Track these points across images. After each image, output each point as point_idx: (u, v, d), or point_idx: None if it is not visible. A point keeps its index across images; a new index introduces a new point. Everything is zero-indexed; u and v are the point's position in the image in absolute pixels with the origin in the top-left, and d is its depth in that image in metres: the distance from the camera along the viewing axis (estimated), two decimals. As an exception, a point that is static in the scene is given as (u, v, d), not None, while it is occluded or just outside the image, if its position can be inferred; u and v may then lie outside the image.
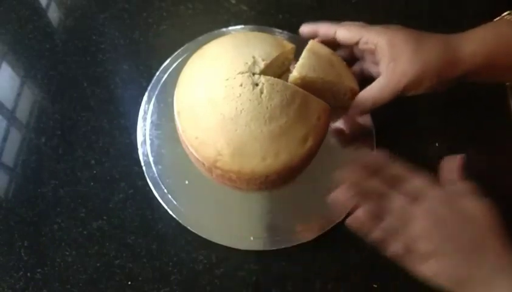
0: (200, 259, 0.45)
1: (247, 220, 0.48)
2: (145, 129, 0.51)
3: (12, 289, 0.43)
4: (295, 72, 0.44)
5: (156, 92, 0.52)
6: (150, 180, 0.48)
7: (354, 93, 0.46)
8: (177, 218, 0.46)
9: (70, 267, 0.44)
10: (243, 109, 0.41)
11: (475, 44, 0.42)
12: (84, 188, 0.48)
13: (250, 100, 0.42)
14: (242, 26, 0.57)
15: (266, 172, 0.42)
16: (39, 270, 0.44)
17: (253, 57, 0.44)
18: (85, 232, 0.46)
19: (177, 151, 0.48)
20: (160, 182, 0.48)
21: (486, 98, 0.54)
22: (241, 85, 0.42)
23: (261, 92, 0.42)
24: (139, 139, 0.50)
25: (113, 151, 0.50)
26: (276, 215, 0.48)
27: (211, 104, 0.43)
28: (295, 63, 0.46)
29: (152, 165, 0.49)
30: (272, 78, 0.43)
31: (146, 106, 0.52)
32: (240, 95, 0.42)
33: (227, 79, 0.42)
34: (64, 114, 0.52)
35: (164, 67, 0.54)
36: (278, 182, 0.46)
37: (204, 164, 0.44)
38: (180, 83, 0.47)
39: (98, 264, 0.45)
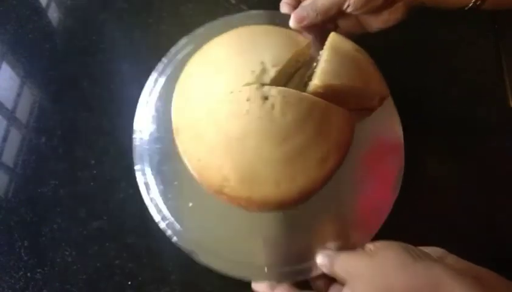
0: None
1: (260, 245, 0.41)
2: (142, 144, 0.44)
3: (12, 289, 0.43)
4: (317, 80, 0.37)
5: (155, 99, 0.46)
6: (150, 202, 0.42)
7: (383, 98, 0.41)
8: (183, 246, 0.41)
9: (70, 267, 0.44)
10: (251, 128, 0.36)
11: None
12: (84, 188, 0.48)
13: (259, 117, 0.36)
14: (247, 12, 0.52)
15: (280, 199, 0.37)
16: (39, 270, 0.44)
17: (262, 63, 0.37)
18: (85, 232, 0.46)
19: (179, 168, 0.41)
20: (162, 204, 0.42)
21: None
22: (248, 100, 0.36)
23: (272, 107, 0.36)
24: (135, 154, 0.43)
25: (113, 151, 0.50)
26: (292, 238, 0.41)
27: (213, 123, 0.37)
28: (319, 56, 0.40)
29: (152, 185, 0.43)
30: (285, 89, 0.37)
31: (144, 115, 0.45)
32: (247, 111, 0.36)
33: (232, 93, 0.37)
34: (64, 114, 0.52)
35: (161, 67, 0.48)
36: (293, 206, 0.40)
37: (209, 188, 0.39)
38: (177, 95, 0.41)
39: (98, 264, 0.45)
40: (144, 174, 0.43)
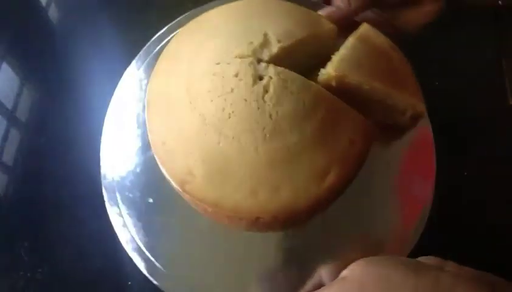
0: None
1: (252, 283, 0.33)
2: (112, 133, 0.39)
3: (12, 289, 0.43)
4: (330, 68, 0.30)
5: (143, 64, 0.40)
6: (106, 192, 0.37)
7: (417, 117, 0.34)
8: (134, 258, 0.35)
9: (70, 267, 0.44)
10: (233, 112, 0.28)
11: None
12: (84, 188, 0.48)
13: (245, 99, 0.28)
14: None
15: (256, 212, 0.28)
16: (39, 270, 0.44)
17: (265, 34, 0.30)
18: (85, 232, 0.46)
19: (147, 156, 0.35)
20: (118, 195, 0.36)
21: None
22: (237, 75, 0.29)
23: (266, 91, 0.28)
24: (103, 151, 0.39)
25: (113, 151, 0.50)
26: (293, 274, 0.33)
27: (188, 99, 0.30)
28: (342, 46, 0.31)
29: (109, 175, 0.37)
30: (286, 70, 0.29)
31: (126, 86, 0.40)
32: (232, 90, 0.29)
33: (218, 64, 0.29)
34: (64, 114, 0.52)
35: (144, 51, 0.42)
36: (276, 227, 0.31)
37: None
38: (159, 62, 0.34)
39: (98, 264, 0.45)
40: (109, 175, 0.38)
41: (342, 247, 0.33)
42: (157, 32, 0.56)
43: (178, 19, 0.44)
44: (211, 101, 0.29)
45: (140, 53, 0.43)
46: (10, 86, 0.54)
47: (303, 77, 0.29)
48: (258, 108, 0.28)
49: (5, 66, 0.55)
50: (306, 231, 0.33)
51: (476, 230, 0.48)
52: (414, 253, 0.35)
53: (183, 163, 0.29)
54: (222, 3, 0.35)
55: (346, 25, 0.35)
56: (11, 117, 0.52)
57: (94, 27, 0.57)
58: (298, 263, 0.33)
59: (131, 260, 0.45)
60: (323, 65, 0.31)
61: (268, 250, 0.34)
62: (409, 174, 0.36)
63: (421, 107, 0.33)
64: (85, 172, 0.49)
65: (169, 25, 0.43)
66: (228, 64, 0.29)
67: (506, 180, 0.50)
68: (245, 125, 0.28)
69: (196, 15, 0.36)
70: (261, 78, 0.29)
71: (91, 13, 0.58)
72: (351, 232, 0.34)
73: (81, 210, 0.47)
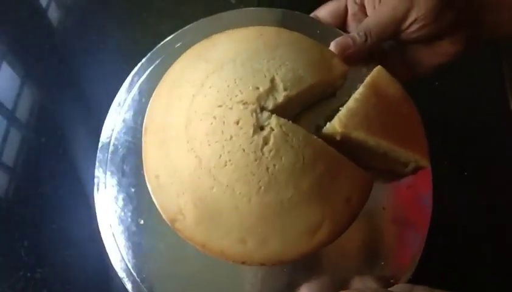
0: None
1: None
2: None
3: (12, 289, 0.43)
4: (337, 123, 0.29)
5: (131, 98, 0.38)
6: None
7: (420, 168, 0.33)
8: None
9: (70, 267, 0.44)
10: (230, 160, 0.27)
11: None
12: (84, 188, 0.48)
13: (244, 150, 0.27)
14: (281, 10, 0.40)
15: (242, 258, 0.29)
16: (39, 270, 0.44)
17: (272, 80, 0.29)
18: (85, 232, 0.46)
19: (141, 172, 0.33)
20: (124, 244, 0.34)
21: None
22: (237, 123, 0.28)
23: (265, 143, 0.28)
24: (97, 175, 0.36)
25: (113, 151, 0.50)
26: None
27: (186, 137, 0.29)
28: (353, 91, 0.30)
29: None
30: (290, 123, 0.28)
31: (113, 125, 0.37)
32: (231, 137, 0.28)
33: (220, 107, 0.29)
34: (64, 114, 0.52)
35: (140, 67, 0.40)
36: (264, 265, 0.30)
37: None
38: (161, 85, 0.34)
39: (98, 265, 0.45)
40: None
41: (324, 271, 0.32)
42: (156, 31, 0.57)
43: (185, 28, 0.43)
44: (209, 145, 0.28)
45: (143, 61, 0.42)
46: (10, 86, 0.54)
47: (305, 131, 0.29)
48: (256, 160, 0.27)
49: (5, 65, 0.55)
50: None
51: (476, 230, 0.48)
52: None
53: (175, 202, 0.29)
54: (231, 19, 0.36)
55: (358, 59, 0.35)
56: (11, 117, 0.52)
57: (94, 27, 0.57)
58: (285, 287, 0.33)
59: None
60: (328, 106, 0.31)
61: (255, 279, 0.33)
62: (402, 221, 0.34)
63: (425, 163, 0.32)
64: (85, 172, 0.49)
65: (176, 34, 0.42)
66: (230, 108, 0.28)
67: (506, 181, 0.50)
68: (241, 174, 0.27)
69: (201, 25, 0.37)
70: (262, 128, 0.28)
71: (91, 13, 0.58)
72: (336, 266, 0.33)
73: (81, 210, 0.47)
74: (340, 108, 0.30)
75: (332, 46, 0.35)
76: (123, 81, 0.54)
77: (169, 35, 0.56)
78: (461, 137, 0.52)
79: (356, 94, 0.30)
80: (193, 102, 0.30)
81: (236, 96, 0.29)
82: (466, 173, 0.50)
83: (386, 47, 0.40)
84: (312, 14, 0.41)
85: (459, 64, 0.56)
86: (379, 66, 0.32)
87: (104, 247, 0.45)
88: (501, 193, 0.50)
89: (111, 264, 0.44)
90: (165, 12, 0.58)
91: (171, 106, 0.31)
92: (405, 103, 0.32)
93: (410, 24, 0.35)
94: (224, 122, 0.28)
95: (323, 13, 0.40)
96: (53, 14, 0.59)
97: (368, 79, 0.31)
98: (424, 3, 0.34)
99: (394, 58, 0.39)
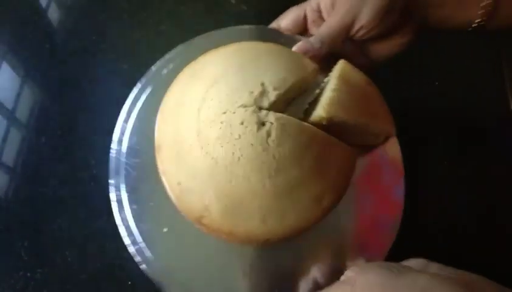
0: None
1: (239, 280, 0.36)
2: (119, 156, 0.40)
3: (12, 289, 0.43)
4: (321, 111, 0.35)
5: (138, 108, 0.41)
6: (122, 223, 0.38)
7: (388, 137, 0.40)
8: (150, 275, 0.37)
9: (70, 267, 0.44)
10: (242, 155, 0.32)
11: None
12: (84, 188, 0.48)
13: (252, 144, 0.32)
14: (248, 27, 0.46)
15: (266, 236, 0.34)
16: (39, 270, 0.44)
17: (263, 84, 0.34)
18: (85, 232, 0.46)
19: (157, 188, 0.37)
20: (134, 227, 0.38)
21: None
22: (242, 123, 0.33)
23: (268, 135, 0.33)
24: (111, 167, 0.39)
25: (113, 151, 0.50)
26: (273, 276, 0.36)
27: (200, 144, 0.33)
28: (323, 83, 0.38)
29: (126, 203, 0.38)
30: (285, 116, 0.34)
31: (124, 125, 0.41)
32: (240, 136, 0.33)
33: (225, 113, 0.33)
34: (64, 114, 0.52)
35: (149, 75, 0.43)
36: (280, 243, 0.36)
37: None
38: (164, 107, 0.38)
39: (98, 264, 0.45)
40: (118, 190, 0.39)
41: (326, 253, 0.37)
42: (157, 31, 0.57)
43: (166, 56, 0.46)
44: (222, 146, 0.33)
45: (149, 75, 0.45)
46: (10, 86, 0.54)
47: (298, 120, 0.34)
48: (263, 150, 0.32)
49: (5, 65, 0.55)
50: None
51: (476, 230, 0.48)
52: (415, 255, 0.35)
53: (199, 201, 0.33)
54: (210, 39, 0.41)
55: (319, 60, 0.40)
56: (11, 117, 0.52)
57: (94, 27, 0.57)
58: (281, 265, 0.37)
59: (131, 260, 0.45)
60: (305, 96, 0.38)
61: (255, 253, 0.37)
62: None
63: (393, 131, 0.39)
64: (85, 172, 0.49)
65: (160, 61, 0.45)
66: (233, 113, 0.33)
67: (506, 181, 0.50)
68: (253, 165, 0.32)
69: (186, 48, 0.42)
70: (263, 123, 0.33)
71: (91, 13, 0.58)
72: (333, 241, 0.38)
73: (81, 210, 0.47)
74: (320, 98, 0.37)
75: (294, 50, 0.40)
76: (123, 81, 0.54)
77: (169, 35, 0.57)
78: (461, 137, 0.52)
79: (331, 85, 0.36)
80: (199, 115, 0.34)
81: (236, 102, 0.34)
82: (466, 173, 0.50)
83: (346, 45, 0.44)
84: (274, 23, 0.45)
85: (459, 64, 0.56)
86: (342, 60, 0.38)
87: (104, 246, 0.45)
88: (501, 193, 0.50)
89: (112, 263, 0.44)
90: (164, 12, 0.58)
91: (180, 122, 0.35)
92: (369, 86, 0.38)
93: (358, 30, 0.40)
94: (230, 125, 0.33)
95: (285, 22, 0.45)
96: (53, 14, 0.59)
97: (336, 72, 0.37)
98: (367, 12, 0.39)
99: (355, 52, 0.44)
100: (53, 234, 0.46)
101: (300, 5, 0.45)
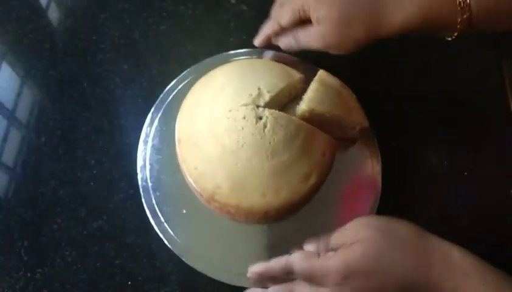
0: (200, 259, 0.45)
1: (244, 254, 0.45)
2: (145, 153, 0.48)
3: (12, 289, 0.43)
4: (304, 105, 0.44)
5: (159, 115, 0.50)
6: (147, 207, 0.46)
7: (363, 128, 0.46)
8: (172, 249, 0.44)
9: (70, 267, 0.44)
10: (245, 142, 0.41)
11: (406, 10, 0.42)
12: (84, 188, 0.48)
13: (252, 133, 0.41)
14: (248, 50, 0.54)
15: (265, 208, 0.41)
16: (39, 270, 0.44)
17: (259, 88, 0.43)
18: (85, 232, 0.46)
19: (176, 178, 0.46)
20: (158, 210, 0.46)
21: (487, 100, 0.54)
22: (244, 118, 0.42)
23: (265, 126, 0.41)
24: (139, 163, 0.48)
25: (113, 151, 0.50)
26: (274, 250, 0.42)
27: (212, 135, 0.42)
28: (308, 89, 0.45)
29: (151, 191, 0.46)
30: (277, 111, 0.42)
31: (148, 129, 0.50)
32: (242, 128, 0.41)
33: (230, 111, 0.42)
34: (64, 114, 0.52)
35: (169, 89, 0.52)
36: (277, 218, 0.44)
37: (202, 195, 0.43)
38: (183, 110, 0.46)
39: (98, 264, 0.45)
40: (144, 181, 0.47)
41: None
42: (157, 31, 0.57)
43: (183, 73, 0.53)
44: (228, 136, 0.41)
45: (161, 98, 0.52)
46: (10, 86, 0.54)
47: (287, 115, 0.43)
48: (261, 138, 0.41)
49: (5, 65, 0.55)
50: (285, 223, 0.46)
51: (475, 230, 0.48)
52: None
53: (212, 180, 0.42)
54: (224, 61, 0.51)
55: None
56: (11, 117, 0.52)
57: (94, 27, 0.57)
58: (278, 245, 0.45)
59: (131, 259, 0.45)
60: (295, 101, 0.46)
61: (258, 234, 0.46)
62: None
63: (366, 123, 0.46)
64: (85, 172, 0.49)
65: (181, 76, 0.53)
66: (237, 110, 0.42)
67: (506, 182, 0.50)
68: (254, 150, 0.41)
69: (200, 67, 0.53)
70: (260, 118, 0.42)
71: (91, 13, 0.58)
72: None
73: (81, 210, 0.47)
74: (303, 97, 0.45)
75: (258, 38, 0.48)
76: (123, 81, 0.54)
77: (169, 35, 0.57)
78: (461, 137, 0.52)
79: (312, 87, 0.45)
80: (211, 113, 0.43)
81: (239, 102, 0.43)
82: (465, 173, 0.50)
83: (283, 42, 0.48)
84: (255, 42, 0.49)
85: (459, 64, 0.56)
86: (321, 70, 0.47)
87: (104, 247, 0.45)
88: (501, 193, 0.50)
89: (112, 263, 0.44)
90: (164, 12, 0.58)
91: (195, 120, 0.44)
92: (343, 88, 0.47)
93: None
94: (235, 119, 0.42)
95: (261, 39, 0.48)
96: (53, 14, 0.59)
97: (316, 78, 0.46)
98: (347, 48, 0.44)
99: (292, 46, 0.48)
100: (53, 234, 0.46)
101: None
